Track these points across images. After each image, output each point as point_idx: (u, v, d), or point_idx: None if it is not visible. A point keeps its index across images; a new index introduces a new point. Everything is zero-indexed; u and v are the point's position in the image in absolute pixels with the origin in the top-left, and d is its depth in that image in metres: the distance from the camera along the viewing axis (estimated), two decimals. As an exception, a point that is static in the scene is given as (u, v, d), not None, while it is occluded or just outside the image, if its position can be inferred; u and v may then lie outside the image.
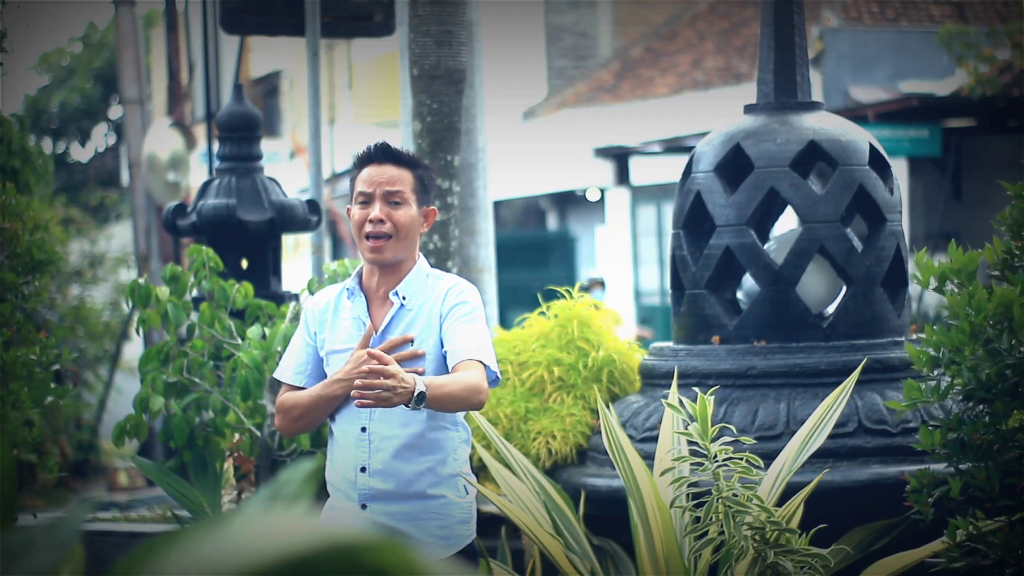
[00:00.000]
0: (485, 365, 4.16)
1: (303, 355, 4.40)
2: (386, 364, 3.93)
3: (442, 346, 4.23)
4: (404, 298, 4.29)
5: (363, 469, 4.23)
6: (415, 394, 3.93)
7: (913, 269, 4.80)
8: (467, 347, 4.18)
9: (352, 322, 4.33)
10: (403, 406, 3.98)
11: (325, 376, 4.37)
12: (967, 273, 4.62)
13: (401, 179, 4.29)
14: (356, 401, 3.98)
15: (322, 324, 4.37)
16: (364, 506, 4.23)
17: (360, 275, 4.38)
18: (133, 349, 14.91)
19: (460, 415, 4.31)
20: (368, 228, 4.25)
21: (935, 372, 4.70)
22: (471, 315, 4.26)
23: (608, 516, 5.48)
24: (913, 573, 4.86)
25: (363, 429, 4.24)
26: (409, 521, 4.21)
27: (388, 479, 4.21)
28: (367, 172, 4.32)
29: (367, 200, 4.28)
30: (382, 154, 4.33)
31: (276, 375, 4.51)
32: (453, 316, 4.24)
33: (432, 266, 7.29)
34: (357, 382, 3.93)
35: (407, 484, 4.21)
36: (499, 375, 4.26)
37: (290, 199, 7.27)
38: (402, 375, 3.94)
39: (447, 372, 4.20)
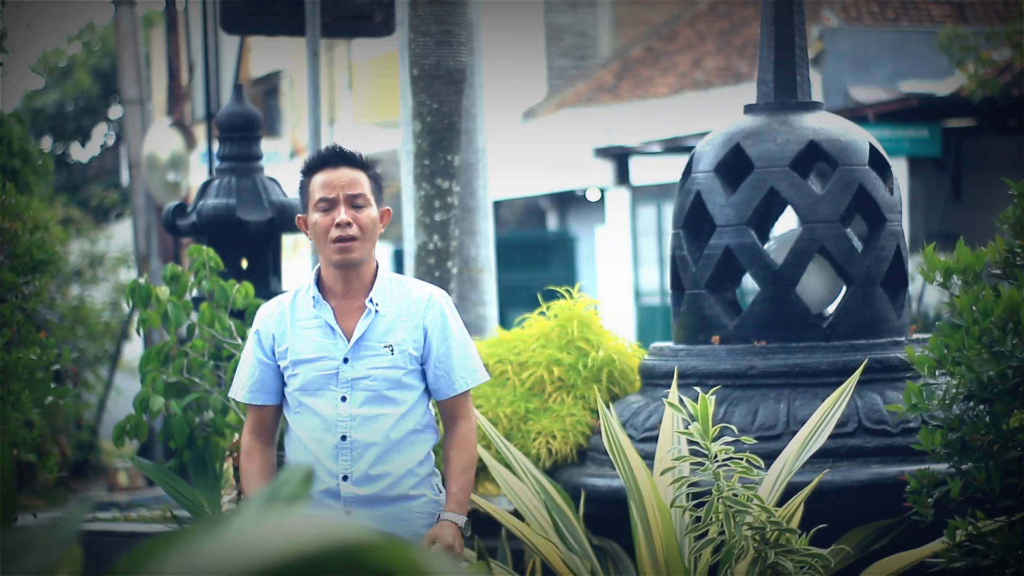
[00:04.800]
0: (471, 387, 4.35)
1: (256, 372, 4.35)
2: (447, 546, 4.17)
3: (421, 354, 4.29)
4: (378, 304, 4.27)
5: (345, 478, 4.25)
6: (462, 529, 4.24)
7: (918, 265, 4.79)
8: (458, 376, 4.30)
9: (319, 331, 4.28)
10: (388, 407, 4.25)
11: (282, 391, 4.35)
12: (973, 272, 4.62)
13: (359, 180, 4.27)
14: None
15: (281, 336, 4.31)
16: (348, 513, 4.25)
17: (318, 282, 4.33)
18: (133, 349, 14.90)
19: (433, 418, 4.37)
20: (335, 232, 4.22)
21: (936, 374, 4.70)
22: (455, 331, 4.33)
23: (608, 516, 5.48)
24: (913, 573, 4.86)
25: (344, 438, 4.24)
26: (396, 523, 4.24)
27: (373, 484, 4.24)
28: (325, 177, 4.26)
29: (330, 205, 4.24)
30: (337, 158, 4.28)
31: (231, 394, 4.46)
32: (439, 337, 4.29)
33: (432, 266, 7.29)
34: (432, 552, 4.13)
35: (390, 487, 4.25)
36: (488, 377, 4.42)
37: (290, 199, 7.26)
38: (454, 536, 4.20)
39: (421, 370, 4.30)
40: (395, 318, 4.27)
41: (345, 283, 4.29)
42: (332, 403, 4.25)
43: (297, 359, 4.28)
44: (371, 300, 4.27)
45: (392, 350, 4.25)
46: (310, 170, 4.31)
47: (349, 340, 4.26)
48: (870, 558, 4.99)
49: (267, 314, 4.37)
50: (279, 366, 4.33)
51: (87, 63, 32.76)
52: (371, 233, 4.26)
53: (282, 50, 29.07)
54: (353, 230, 4.23)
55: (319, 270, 4.35)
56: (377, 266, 4.34)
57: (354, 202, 4.25)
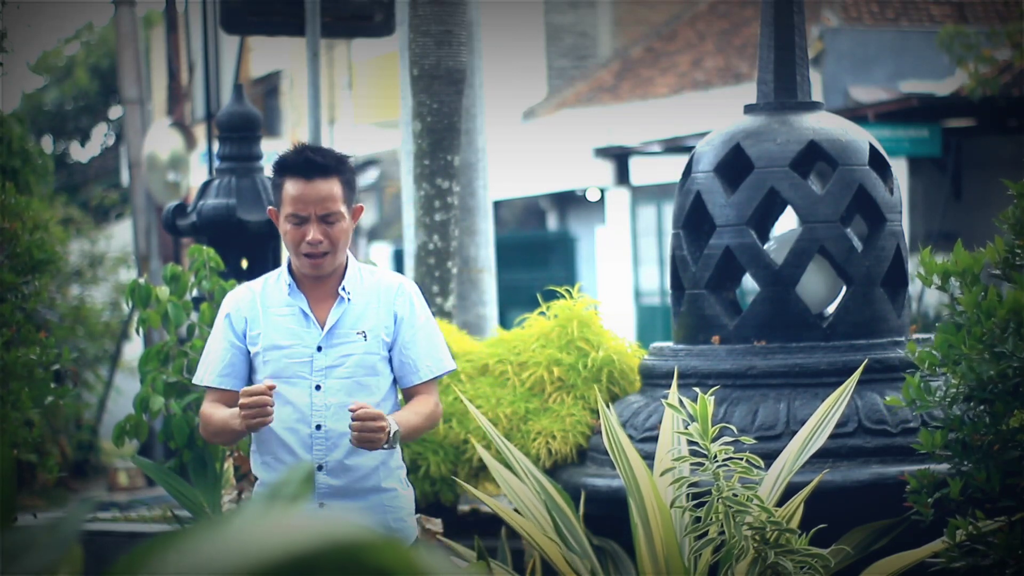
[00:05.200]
0: (437, 376, 4.35)
1: (228, 356, 4.31)
2: (375, 415, 4.07)
3: (391, 340, 4.29)
4: (350, 293, 4.28)
5: (320, 468, 4.23)
6: (391, 434, 4.09)
7: (916, 266, 4.79)
8: (424, 364, 4.31)
9: (293, 318, 4.27)
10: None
11: (250, 376, 4.33)
12: (971, 275, 4.62)
13: (332, 195, 4.22)
14: (352, 441, 4.10)
15: (253, 320, 4.30)
16: (321, 504, 4.25)
17: (291, 269, 4.34)
18: (133, 349, 14.89)
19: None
20: (306, 248, 4.21)
21: (937, 372, 4.70)
22: (424, 319, 4.35)
23: (608, 516, 5.48)
24: (913, 573, 4.86)
25: (318, 427, 4.23)
26: (369, 516, 4.23)
27: (346, 475, 4.24)
28: (297, 190, 4.21)
29: (302, 221, 4.22)
30: (310, 167, 4.22)
31: (196, 380, 4.41)
32: (407, 325, 4.30)
33: (432, 266, 7.27)
34: (354, 433, 4.07)
35: (363, 479, 4.24)
36: (454, 367, 4.46)
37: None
38: (386, 419, 4.09)
39: (389, 359, 4.31)
40: (366, 305, 4.29)
41: (316, 276, 4.31)
42: (306, 392, 4.24)
43: (269, 345, 4.26)
44: (343, 288, 4.28)
45: (365, 336, 4.26)
46: (282, 171, 4.27)
47: (323, 328, 4.26)
48: (870, 558, 4.99)
49: (238, 298, 4.36)
50: (249, 351, 4.32)
51: (86, 62, 32.75)
52: (343, 244, 4.27)
53: (282, 50, 29.08)
54: (324, 246, 4.22)
55: (290, 259, 4.35)
56: (348, 257, 4.35)
57: (327, 219, 4.23)
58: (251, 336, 4.30)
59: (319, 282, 4.31)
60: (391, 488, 4.30)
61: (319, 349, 4.25)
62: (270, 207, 4.37)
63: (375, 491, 4.28)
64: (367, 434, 4.05)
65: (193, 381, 4.51)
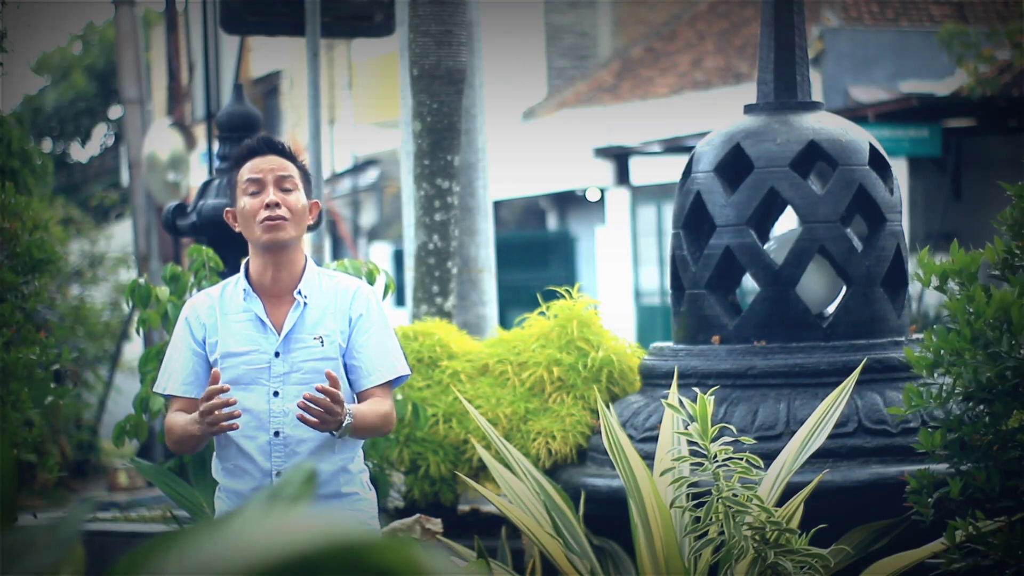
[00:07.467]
0: (393, 381, 4.26)
1: (191, 364, 4.24)
2: (339, 390, 4.00)
3: (345, 346, 4.24)
4: (307, 297, 4.24)
5: (279, 475, 4.16)
6: (343, 424, 4.03)
7: (915, 268, 4.79)
8: (376, 367, 4.23)
9: (249, 324, 4.22)
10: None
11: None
12: (968, 274, 4.62)
13: (288, 166, 4.28)
14: (299, 414, 4.02)
15: (212, 327, 4.24)
16: None
17: (248, 274, 4.29)
18: (133, 349, 14.89)
19: None
20: (264, 213, 4.19)
21: (935, 375, 4.70)
22: (378, 323, 4.28)
23: (608, 516, 5.48)
24: (913, 573, 4.86)
25: (276, 434, 4.17)
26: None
27: None
28: (253, 163, 4.27)
29: (259, 188, 4.23)
30: (267, 146, 4.30)
31: (158, 389, 4.33)
32: (361, 328, 4.24)
33: (432, 266, 7.26)
34: (305, 396, 3.99)
35: (323, 484, 4.18)
36: (409, 372, 4.38)
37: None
38: (345, 409, 4.03)
39: (345, 374, 4.24)
40: (323, 310, 4.23)
41: (274, 275, 4.25)
42: (264, 398, 4.18)
43: (227, 352, 4.20)
44: (299, 292, 4.23)
45: (322, 341, 4.20)
46: (239, 161, 4.31)
47: (279, 334, 4.22)
48: (870, 558, 4.99)
49: (197, 304, 4.31)
50: (209, 358, 4.27)
51: (82, 63, 32.75)
52: (299, 216, 4.24)
53: (282, 50, 29.08)
54: (282, 211, 4.19)
55: (247, 263, 4.30)
56: (306, 260, 4.31)
57: (282, 185, 4.23)
58: (209, 343, 4.24)
59: (275, 285, 4.24)
60: (352, 493, 4.24)
61: (277, 355, 4.19)
62: (227, 209, 4.34)
63: (336, 496, 4.21)
64: (323, 414, 3.98)
65: (154, 390, 4.41)
